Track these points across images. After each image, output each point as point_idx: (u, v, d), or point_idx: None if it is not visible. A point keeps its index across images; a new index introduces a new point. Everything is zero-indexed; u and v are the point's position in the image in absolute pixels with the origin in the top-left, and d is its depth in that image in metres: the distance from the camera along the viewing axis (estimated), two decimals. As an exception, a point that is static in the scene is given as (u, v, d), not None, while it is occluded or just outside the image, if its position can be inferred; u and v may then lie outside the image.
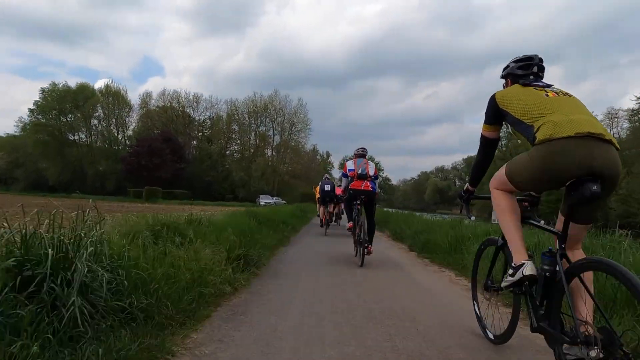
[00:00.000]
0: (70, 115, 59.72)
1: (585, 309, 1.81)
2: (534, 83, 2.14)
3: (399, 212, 15.38)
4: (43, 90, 58.40)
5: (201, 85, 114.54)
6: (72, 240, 2.15)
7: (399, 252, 7.18)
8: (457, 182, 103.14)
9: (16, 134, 60.98)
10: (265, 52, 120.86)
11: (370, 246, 5.58)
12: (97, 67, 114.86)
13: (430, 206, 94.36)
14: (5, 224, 2.07)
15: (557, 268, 1.89)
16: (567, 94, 2.05)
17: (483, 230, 6.03)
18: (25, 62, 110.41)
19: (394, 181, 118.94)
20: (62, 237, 2.09)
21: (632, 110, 44.79)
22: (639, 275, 1.54)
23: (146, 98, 63.68)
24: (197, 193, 50.96)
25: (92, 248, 2.13)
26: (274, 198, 46.63)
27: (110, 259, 2.28)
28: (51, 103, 57.95)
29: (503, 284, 2.15)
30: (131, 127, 62.89)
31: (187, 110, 63.18)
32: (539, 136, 1.85)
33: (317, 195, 11.76)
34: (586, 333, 1.67)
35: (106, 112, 60.98)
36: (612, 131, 45.82)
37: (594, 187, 1.74)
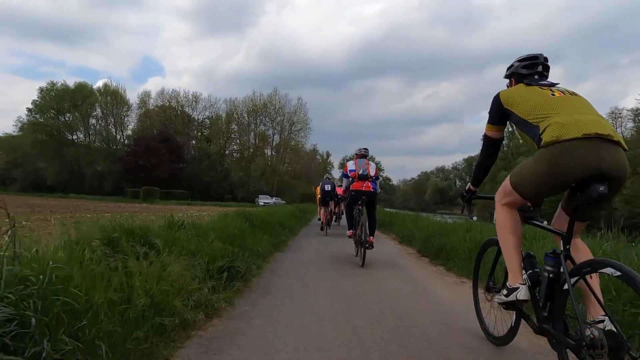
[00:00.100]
0: (68, 115, 59.28)
1: (591, 311, 1.77)
2: (539, 82, 2.09)
3: (404, 213, 14.59)
4: (41, 90, 58.00)
5: (201, 85, 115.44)
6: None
7: (409, 258, 6.47)
8: (457, 182, 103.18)
9: (14, 133, 60.57)
10: (265, 52, 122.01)
11: (371, 237, 5.57)
12: (97, 67, 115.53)
13: (431, 206, 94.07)
14: None
15: (562, 269, 1.86)
16: (573, 93, 1.99)
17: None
18: (25, 62, 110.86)
19: (394, 181, 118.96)
20: None
21: (637, 109, 44.59)
22: None
23: (145, 97, 63.22)
24: (196, 193, 50.77)
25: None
26: (274, 198, 46.09)
27: (17, 284, 1.58)
28: (49, 102, 57.49)
29: (496, 300, 2.13)
30: (130, 127, 62.54)
31: (186, 109, 62.74)
32: (545, 138, 1.79)
33: (318, 196, 11.55)
34: (592, 336, 1.60)
35: (104, 111, 60.47)
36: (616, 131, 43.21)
37: (601, 188, 1.70)
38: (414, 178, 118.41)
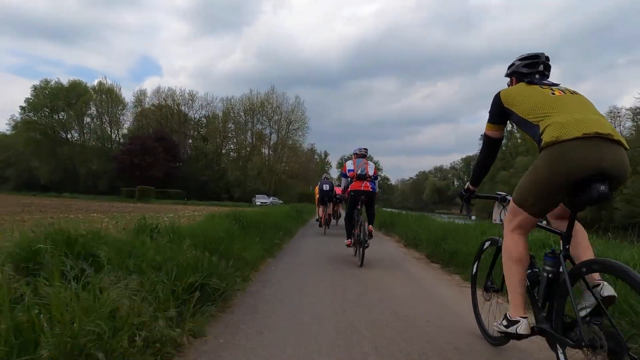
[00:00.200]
0: (62, 113, 58.48)
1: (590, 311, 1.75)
2: (540, 82, 2.08)
3: (406, 213, 13.86)
4: (35, 88, 57.15)
5: (198, 84, 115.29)
6: None
7: (418, 264, 5.77)
8: (455, 182, 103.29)
9: (8, 132, 59.82)
10: (262, 52, 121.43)
11: (370, 226, 5.79)
12: (95, 66, 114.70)
13: (429, 206, 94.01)
14: None
15: (561, 269, 1.85)
16: (574, 92, 1.98)
17: (532, 239, 4.67)
18: (23, 62, 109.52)
19: (392, 181, 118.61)
20: None
21: (636, 108, 44.23)
22: None
23: (140, 96, 62.36)
24: (192, 193, 50.22)
25: None
26: (271, 198, 45.53)
27: None
28: (43, 100, 56.75)
29: (495, 328, 2.09)
30: (125, 126, 61.78)
31: (182, 108, 62.08)
32: (545, 138, 1.78)
33: (317, 195, 11.50)
34: (591, 336, 1.59)
35: (99, 110, 59.67)
36: (615, 130, 43.11)
37: (602, 187, 1.69)
38: (412, 178, 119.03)
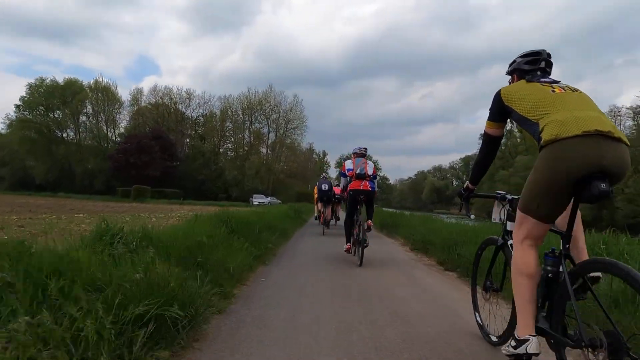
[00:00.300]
0: (58, 112, 57.71)
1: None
2: (541, 79, 2.04)
3: (409, 214, 13.15)
4: (30, 86, 56.42)
5: (197, 84, 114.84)
6: None
7: (432, 273, 5.09)
8: (454, 182, 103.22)
9: (2, 131, 59.06)
10: (261, 52, 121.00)
11: (369, 221, 6.02)
12: (93, 66, 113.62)
13: (428, 205, 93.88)
14: None
15: (561, 269, 1.84)
16: (574, 90, 1.94)
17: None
18: (20, 61, 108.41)
19: (391, 181, 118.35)
20: None
21: (637, 107, 43.87)
22: None
23: (137, 94, 61.56)
24: (189, 192, 49.64)
25: None
26: (269, 197, 44.89)
27: None
28: (38, 99, 56.02)
29: (503, 351, 1.95)
30: (122, 125, 61.02)
31: (180, 107, 61.36)
32: (545, 136, 1.75)
33: (315, 195, 11.62)
34: (591, 336, 1.58)
35: (95, 108, 58.87)
36: (617, 129, 42.81)
37: (603, 185, 1.66)
38: (410, 177, 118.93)
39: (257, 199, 42.22)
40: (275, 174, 56.60)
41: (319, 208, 11.22)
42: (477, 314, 2.71)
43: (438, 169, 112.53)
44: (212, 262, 3.55)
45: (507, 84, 2.28)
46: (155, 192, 44.41)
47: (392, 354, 2.25)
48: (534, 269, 1.88)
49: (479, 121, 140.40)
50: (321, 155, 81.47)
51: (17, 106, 55.55)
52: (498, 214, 2.43)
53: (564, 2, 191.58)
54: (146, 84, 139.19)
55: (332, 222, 12.20)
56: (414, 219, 10.17)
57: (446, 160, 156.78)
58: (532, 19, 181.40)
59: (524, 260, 1.90)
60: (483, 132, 2.24)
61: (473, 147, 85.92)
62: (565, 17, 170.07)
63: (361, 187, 5.85)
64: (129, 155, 47.13)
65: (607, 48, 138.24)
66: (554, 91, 1.92)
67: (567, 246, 1.88)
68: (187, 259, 3.33)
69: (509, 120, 2.14)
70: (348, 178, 6.00)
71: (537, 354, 1.79)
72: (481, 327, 2.62)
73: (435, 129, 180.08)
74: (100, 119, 59.38)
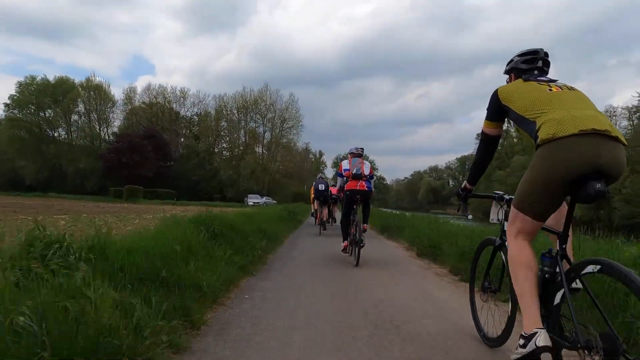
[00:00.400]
0: (49, 111, 56.60)
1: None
2: (538, 78, 2.04)
3: (412, 215, 12.36)
4: (20, 84, 55.22)
5: (193, 84, 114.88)
6: None
7: (451, 289, 4.35)
8: (450, 182, 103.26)
9: (-8, 130, 57.65)
10: (257, 52, 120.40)
11: (365, 225, 5.95)
12: (87, 65, 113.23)
13: (424, 206, 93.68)
14: None
15: (557, 269, 1.82)
16: (571, 88, 1.94)
17: (590, 249, 3.38)
18: (13, 60, 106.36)
19: (387, 181, 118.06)
20: None
21: (633, 107, 43.73)
22: None
23: (130, 93, 60.52)
24: (183, 192, 48.87)
25: None
26: (264, 198, 44.22)
27: None
28: (28, 97, 54.88)
29: (513, 357, 1.79)
30: (116, 124, 60.02)
31: (174, 106, 60.42)
32: (541, 135, 1.75)
33: (312, 195, 11.66)
34: (587, 338, 1.57)
35: (87, 107, 57.80)
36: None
37: (598, 185, 1.66)
38: (407, 177, 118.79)
39: (252, 199, 41.54)
40: (271, 174, 55.82)
41: (316, 207, 11.16)
42: (475, 316, 2.68)
43: (434, 169, 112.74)
44: (181, 278, 2.84)
45: (504, 83, 2.26)
46: (148, 193, 43.52)
47: None
48: (532, 260, 1.87)
49: (475, 121, 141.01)
50: (317, 156, 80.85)
51: (6, 105, 54.39)
52: (496, 214, 2.39)
53: (558, 3, 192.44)
54: (141, 84, 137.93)
55: (329, 223, 12.02)
56: (419, 221, 9.44)
57: (442, 160, 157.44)
58: (527, 19, 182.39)
59: (520, 252, 1.89)
60: (481, 131, 2.22)
61: (469, 148, 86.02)
62: (559, 18, 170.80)
63: (357, 187, 5.81)
64: (121, 154, 46.17)
65: (600, 49, 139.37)
66: (551, 90, 1.90)
67: (563, 246, 1.86)
68: (147, 276, 2.63)
69: (506, 119, 2.12)
70: (345, 178, 5.98)
71: (548, 347, 1.68)
72: (479, 328, 2.58)
73: (431, 129, 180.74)
74: (93, 118, 58.39)
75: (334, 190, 10.72)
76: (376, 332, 2.63)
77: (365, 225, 5.93)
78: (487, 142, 2.21)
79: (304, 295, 3.60)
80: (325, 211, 11.16)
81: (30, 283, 1.80)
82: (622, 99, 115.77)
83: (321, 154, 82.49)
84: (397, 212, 14.91)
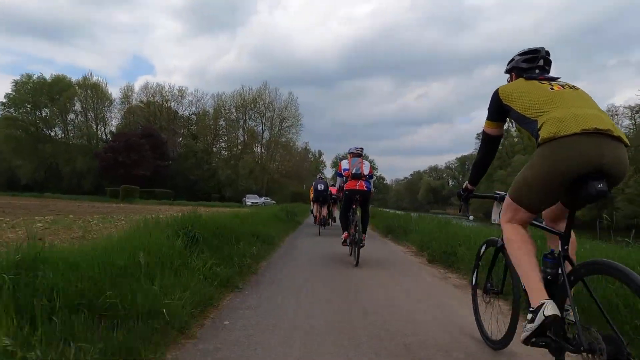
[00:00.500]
0: (46, 110, 55.85)
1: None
2: (539, 77, 2.02)
3: (420, 216, 11.42)
4: (16, 83, 54.50)
5: (193, 84, 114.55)
6: None
7: (490, 313, 3.72)
8: (450, 182, 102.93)
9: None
10: (257, 52, 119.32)
11: (363, 235, 5.62)
12: (87, 65, 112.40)
13: (424, 206, 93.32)
14: None
15: (559, 271, 1.81)
16: (573, 87, 1.93)
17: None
18: (13, 60, 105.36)
19: (387, 181, 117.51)
20: None
21: (636, 106, 43.23)
22: None
23: (128, 92, 59.77)
24: (181, 192, 48.26)
25: None
26: (262, 198, 43.53)
27: None
28: (24, 96, 54.13)
29: (523, 336, 1.76)
30: (113, 123, 59.38)
31: (172, 105, 59.71)
32: (543, 134, 1.73)
33: (311, 195, 11.59)
34: (590, 341, 1.55)
35: (84, 106, 57.07)
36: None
37: (600, 185, 1.63)
38: (406, 177, 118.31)
39: (250, 199, 40.84)
40: (270, 174, 55.11)
41: (315, 213, 11.10)
42: (477, 318, 2.66)
43: (434, 169, 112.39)
44: (135, 303, 2.16)
45: (504, 83, 2.24)
46: (145, 192, 42.76)
47: None
48: (528, 238, 1.89)
49: (475, 121, 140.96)
50: (317, 155, 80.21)
51: (2, 104, 53.60)
52: (498, 214, 2.30)
53: (558, 3, 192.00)
54: (140, 84, 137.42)
55: (329, 224, 11.97)
56: (426, 222, 8.72)
57: (441, 160, 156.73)
58: (527, 19, 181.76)
59: (516, 232, 1.91)
60: (482, 131, 2.21)
61: (469, 148, 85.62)
62: (559, 18, 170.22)
63: (357, 187, 5.78)
64: (117, 153, 45.43)
65: (600, 49, 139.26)
66: (552, 89, 1.89)
67: (565, 247, 1.84)
68: (87, 300, 1.95)
69: (507, 119, 2.11)
70: (344, 178, 5.94)
71: (556, 316, 1.64)
72: (481, 330, 2.56)
73: (431, 129, 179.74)
74: (90, 117, 57.71)
75: (333, 190, 10.66)
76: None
77: (363, 235, 5.63)
78: (489, 142, 2.18)
79: (296, 318, 2.91)
80: (325, 210, 11.16)
81: None
82: (621, 99, 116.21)
83: (320, 154, 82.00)
84: (400, 213, 14.16)
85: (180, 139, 60.14)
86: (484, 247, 2.68)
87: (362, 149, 6.23)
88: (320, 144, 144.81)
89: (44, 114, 56.33)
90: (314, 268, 5.03)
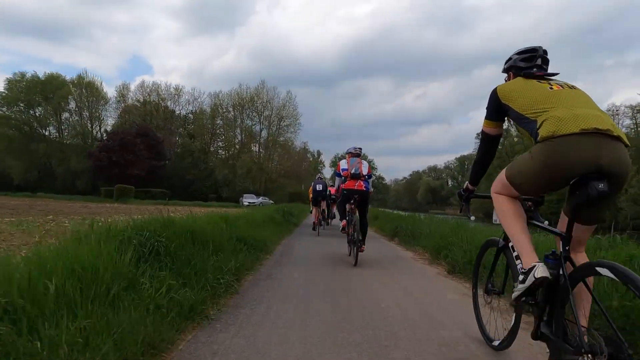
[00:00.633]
0: (39, 108, 54.77)
1: (586, 314, 1.72)
2: (538, 75, 2.00)
3: (432, 218, 10.16)
4: (9, 81, 53.32)
5: (191, 84, 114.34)
6: None
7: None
8: (449, 182, 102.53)
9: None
10: (256, 52, 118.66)
11: (363, 246, 5.53)
12: (86, 65, 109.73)
13: (423, 206, 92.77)
14: None
15: (561, 272, 1.78)
16: (572, 87, 1.92)
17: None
18: (11, 60, 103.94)
19: (387, 181, 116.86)
20: None
21: (638, 105, 42.76)
22: None
23: (123, 90, 58.71)
24: (178, 192, 47.37)
25: None
26: (260, 198, 42.55)
27: None
28: (17, 94, 52.94)
29: (514, 295, 1.84)
30: (109, 122, 58.26)
31: (168, 103, 58.77)
32: (542, 133, 1.71)
33: (310, 196, 11.44)
34: (591, 342, 1.54)
35: (79, 104, 56.00)
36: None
37: (601, 185, 1.61)
38: (405, 177, 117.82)
39: (247, 199, 39.89)
40: (268, 174, 54.09)
41: (314, 216, 10.94)
42: (479, 318, 2.62)
43: (433, 169, 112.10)
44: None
45: (503, 82, 2.20)
46: (140, 192, 41.81)
47: None
48: (517, 207, 1.94)
49: (473, 121, 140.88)
50: (316, 155, 79.33)
51: (-6, 102, 52.54)
52: None
53: (558, 3, 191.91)
54: (137, 83, 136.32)
55: (328, 224, 12.20)
56: (436, 224, 7.77)
57: (440, 160, 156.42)
58: (526, 19, 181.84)
59: (506, 201, 1.94)
60: (481, 131, 2.19)
61: (467, 148, 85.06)
62: (558, 18, 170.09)
63: (355, 187, 5.74)
64: (112, 153, 44.43)
65: (598, 49, 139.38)
66: (551, 88, 1.87)
67: (567, 248, 1.81)
68: None
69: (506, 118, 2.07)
70: (343, 178, 5.91)
71: (546, 277, 1.69)
72: (483, 331, 2.52)
73: (430, 130, 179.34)
74: (85, 116, 56.68)
75: (333, 190, 10.72)
76: None
77: (363, 246, 5.54)
78: (488, 142, 2.17)
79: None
80: (323, 206, 11.36)
81: None
82: (618, 100, 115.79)
83: (319, 154, 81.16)
84: (405, 214, 13.22)
85: (177, 138, 59.14)
86: (485, 248, 2.65)
87: (360, 149, 6.22)
88: (319, 144, 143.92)
89: (37, 112, 55.26)
90: (311, 282, 4.11)
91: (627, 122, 44.07)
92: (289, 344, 2.32)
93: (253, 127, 57.50)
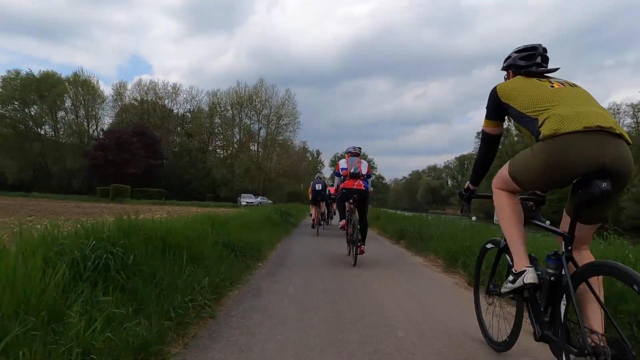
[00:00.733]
0: (35, 107, 53.99)
1: (594, 317, 1.64)
2: (538, 72, 1.97)
3: (440, 218, 9.34)
4: (4, 79, 52.55)
5: (190, 84, 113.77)
6: None
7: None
8: (449, 182, 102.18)
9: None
10: (255, 52, 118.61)
11: (362, 246, 5.47)
12: (85, 65, 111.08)
13: (423, 205, 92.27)
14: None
15: (563, 272, 1.74)
16: (573, 85, 1.89)
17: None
18: (10, 59, 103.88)
19: (387, 180, 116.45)
20: None
21: (639, 103, 43.28)
22: None
23: (120, 89, 57.88)
24: (175, 192, 46.79)
25: None
26: (259, 197, 41.88)
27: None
28: (12, 92, 52.14)
29: (502, 290, 1.95)
30: (106, 121, 57.51)
31: (166, 102, 58.00)
32: (544, 131, 1.68)
33: (310, 196, 11.35)
34: (594, 344, 1.49)
35: (75, 103, 55.22)
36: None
37: (604, 184, 1.57)
38: (405, 177, 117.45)
39: (245, 199, 39.19)
40: (267, 173, 53.33)
41: (313, 216, 10.86)
42: (480, 319, 2.59)
43: (433, 169, 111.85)
44: None
45: (503, 79, 2.20)
46: (137, 192, 41.08)
47: None
48: (516, 206, 1.93)
49: (473, 121, 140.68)
50: (315, 155, 78.67)
51: (-12, 101, 51.74)
52: None
53: (556, 3, 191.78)
54: (135, 82, 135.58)
55: (328, 223, 12.22)
56: (447, 226, 6.99)
57: (440, 160, 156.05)
58: (525, 20, 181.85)
59: (507, 197, 1.93)
60: (481, 131, 2.15)
61: (467, 147, 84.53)
62: (558, 18, 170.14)
63: (355, 187, 5.74)
64: (108, 152, 43.71)
65: (597, 49, 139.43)
66: (552, 86, 1.84)
67: (569, 248, 1.78)
68: None
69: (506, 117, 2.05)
70: (342, 177, 5.89)
71: (533, 285, 1.75)
72: (485, 332, 2.49)
73: (429, 129, 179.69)
74: (81, 114, 55.87)
75: (332, 190, 10.49)
76: None
77: (362, 246, 5.45)
78: (488, 142, 2.13)
79: None
80: (323, 206, 11.35)
81: None
82: (618, 99, 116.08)
83: (319, 154, 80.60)
84: (409, 214, 12.52)
85: (175, 137, 58.37)
86: (486, 247, 2.62)
87: (360, 148, 6.22)
88: (318, 144, 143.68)
89: (32, 111, 54.49)
90: (309, 299, 3.41)
91: (628, 120, 44.20)
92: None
93: (252, 126, 56.97)
